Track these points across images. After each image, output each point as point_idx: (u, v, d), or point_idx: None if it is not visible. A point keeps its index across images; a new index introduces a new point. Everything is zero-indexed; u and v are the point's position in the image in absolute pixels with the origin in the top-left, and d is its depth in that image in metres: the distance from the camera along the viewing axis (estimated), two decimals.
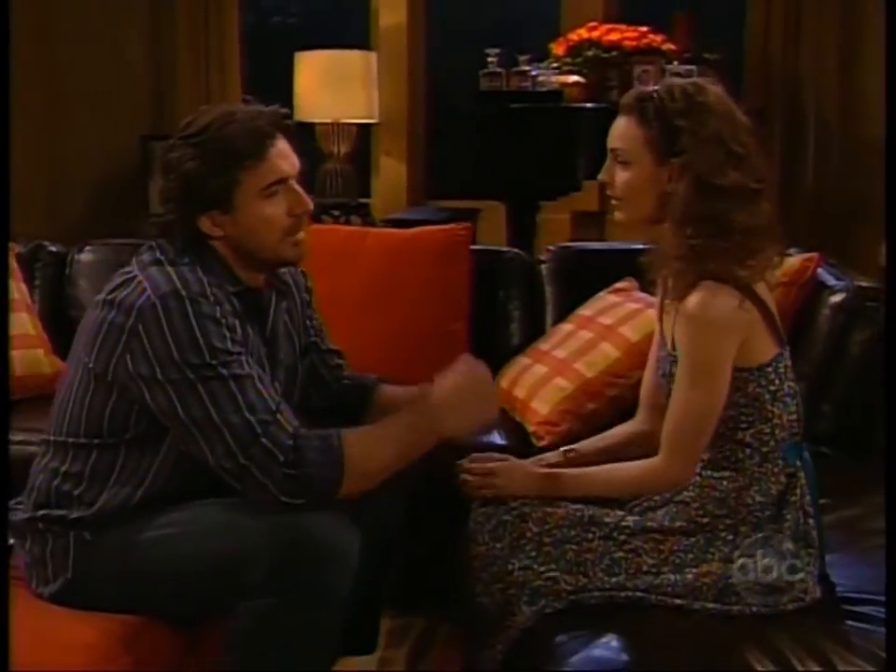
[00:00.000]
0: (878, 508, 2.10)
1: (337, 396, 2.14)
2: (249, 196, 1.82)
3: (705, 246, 1.78)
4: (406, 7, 4.99)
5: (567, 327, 2.80)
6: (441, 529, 2.10)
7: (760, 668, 1.62)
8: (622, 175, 1.87)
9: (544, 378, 2.67)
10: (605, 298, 2.81)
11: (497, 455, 2.05)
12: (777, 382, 1.83)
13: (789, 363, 1.87)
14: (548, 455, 2.09)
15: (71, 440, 1.85)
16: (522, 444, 2.57)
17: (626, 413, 2.53)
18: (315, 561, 1.68)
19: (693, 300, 1.78)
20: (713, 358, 1.79)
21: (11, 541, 1.96)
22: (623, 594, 1.81)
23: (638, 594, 1.81)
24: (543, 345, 2.81)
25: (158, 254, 1.84)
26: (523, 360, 2.82)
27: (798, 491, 1.85)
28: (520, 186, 4.14)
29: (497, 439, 2.62)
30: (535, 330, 2.97)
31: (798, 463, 1.86)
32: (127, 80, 4.91)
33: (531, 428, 2.61)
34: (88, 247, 3.12)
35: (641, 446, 1.97)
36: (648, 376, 2.07)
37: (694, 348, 1.80)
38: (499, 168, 4.15)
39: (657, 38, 4.49)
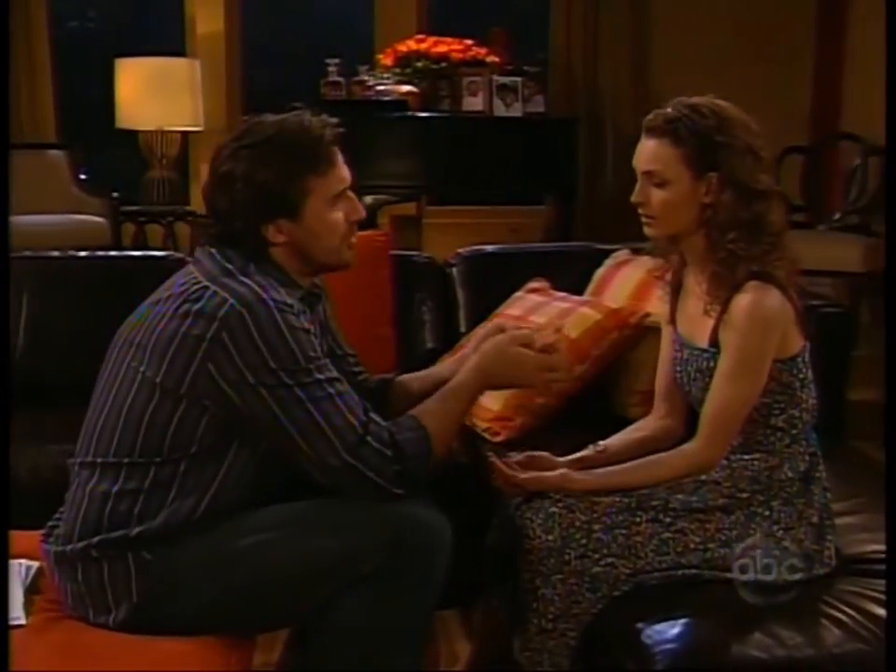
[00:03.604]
0: None
1: (363, 395, 2.14)
2: (318, 203, 1.84)
3: (744, 250, 1.90)
4: (223, 15, 4.95)
5: None
6: None
7: (828, 623, 1.76)
8: (658, 195, 1.94)
9: None
10: (527, 297, 2.88)
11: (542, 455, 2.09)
12: (804, 370, 1.98)
13: (808, 352, 2.01)
14: (581, 453, 2.11)
15: (126, 460, 1.77)
16: (469, 443, 2.63)
17: (572, 404, 2.72)
18: (425, 546, 1.75)
19: (746, 300, 1.89)
20: (761, 353, 1.91)
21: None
22: (679, 572, 1.91)
23: (693, 570, 1.91)
24: None
25: (225, 263, 1.81)
26: None
27: (820, 468, 2.00)
28: (368, 192, 4.20)
29: None
30: (449, 332, 3.03)
31: (816, 443, 2.02)
32: None
33: (484, 425, 2.64)
34: None
35: (664, 439, 2.08)
36: (662, 374, 2.16)
37: (745, 344, 1.91)
38: None
39: (481, 51, 4.68)
